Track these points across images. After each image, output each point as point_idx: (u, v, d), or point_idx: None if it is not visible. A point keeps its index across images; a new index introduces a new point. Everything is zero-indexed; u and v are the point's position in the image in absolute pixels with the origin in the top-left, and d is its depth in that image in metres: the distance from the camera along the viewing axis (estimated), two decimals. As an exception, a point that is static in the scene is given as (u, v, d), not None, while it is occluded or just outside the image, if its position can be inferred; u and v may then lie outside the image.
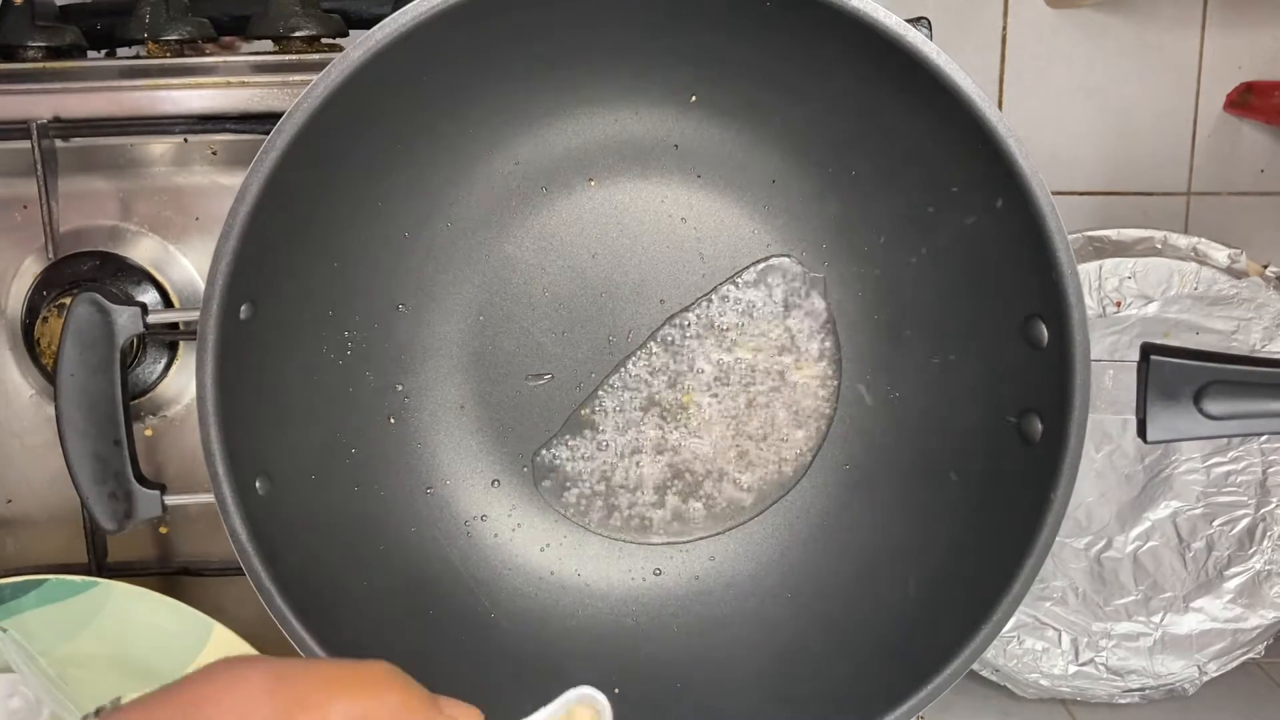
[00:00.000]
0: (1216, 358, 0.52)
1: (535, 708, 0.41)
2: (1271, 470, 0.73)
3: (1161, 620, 0.73)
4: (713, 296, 0.63)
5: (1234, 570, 0.73)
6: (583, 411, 0.64)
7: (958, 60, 0.50)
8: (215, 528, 0.53)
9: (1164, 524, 0.73)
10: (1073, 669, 0.73)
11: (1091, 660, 0.73)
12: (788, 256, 0.63)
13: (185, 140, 0.65)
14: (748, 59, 0.57)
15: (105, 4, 0.73)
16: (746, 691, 0.59)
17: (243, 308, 0.52)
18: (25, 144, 0.63)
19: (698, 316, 0.63)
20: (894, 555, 0.60)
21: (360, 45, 0.50)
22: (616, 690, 0.59)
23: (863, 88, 0.55)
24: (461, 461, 0.64)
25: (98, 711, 0.37)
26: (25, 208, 0.65)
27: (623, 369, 0.63)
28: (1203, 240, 0.73)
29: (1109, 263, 0.71)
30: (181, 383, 0.66)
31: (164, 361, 0.66)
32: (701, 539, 0.64)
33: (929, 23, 0.54)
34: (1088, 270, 0.71)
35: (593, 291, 0.63)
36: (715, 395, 0.63)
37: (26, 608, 0.57)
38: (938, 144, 0.54)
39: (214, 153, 0.65)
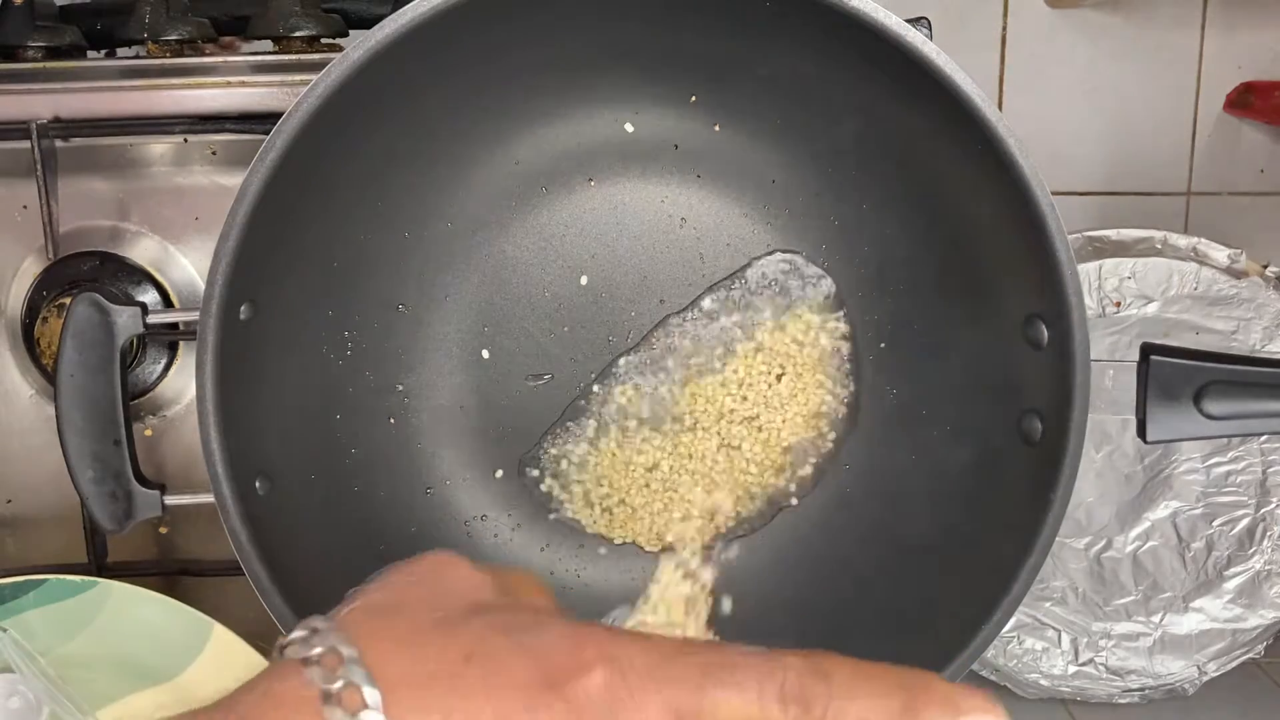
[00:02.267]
0: (1216, 358, 0.52)
1: None
2: (1271, 470, 0.73)
3: (1161, 620, 0.73)
4: (712, 297, 0.63)
5: (1234, 570, 0.73)
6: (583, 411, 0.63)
7: (958, 60, 0.50)
8: (215, 528, 0.53)
9: (1164, 524, 0.73)
10: (1072, 669, 0.73)
11: (1091, 660, 0.73)
12: (787, 257, 0.63)
13: (185, 140, 0.65)
14: (748, 59, 0.57)
15: (105, 4, 0.73)
16: (746, 691, 0.59)
17: (243, 308, 0.52)
18: (25, 144, 0.63)
19: (697, 316, 0.63)
20: (893, 556, 0.60)
21: (360, 45, 0.50)
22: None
23: (862, 87, 0.55)
24: (461, 461, 0.64)
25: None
26: (25, 208, 0.65)
27: (623, 369, 0.63)
28: (1202, 240, 0.73)
29: (1109, 263, 0.71)
30: (181, 383, 0.66)
31: (164, 361, 0.66)
32: (701, 539, 0.64)
33: (929, 23, 0.54)
34: (1088, 270, 0.71)
35: (593, 291, 0.63)
36: (715, 395, 0.63)
37: (26, 608, 0.57)
38: (937, 144, 0.54)
39: (214, 153, 0.65)
